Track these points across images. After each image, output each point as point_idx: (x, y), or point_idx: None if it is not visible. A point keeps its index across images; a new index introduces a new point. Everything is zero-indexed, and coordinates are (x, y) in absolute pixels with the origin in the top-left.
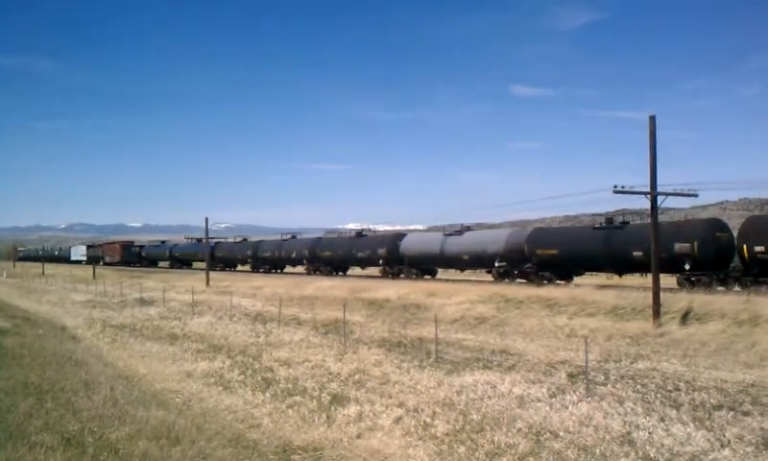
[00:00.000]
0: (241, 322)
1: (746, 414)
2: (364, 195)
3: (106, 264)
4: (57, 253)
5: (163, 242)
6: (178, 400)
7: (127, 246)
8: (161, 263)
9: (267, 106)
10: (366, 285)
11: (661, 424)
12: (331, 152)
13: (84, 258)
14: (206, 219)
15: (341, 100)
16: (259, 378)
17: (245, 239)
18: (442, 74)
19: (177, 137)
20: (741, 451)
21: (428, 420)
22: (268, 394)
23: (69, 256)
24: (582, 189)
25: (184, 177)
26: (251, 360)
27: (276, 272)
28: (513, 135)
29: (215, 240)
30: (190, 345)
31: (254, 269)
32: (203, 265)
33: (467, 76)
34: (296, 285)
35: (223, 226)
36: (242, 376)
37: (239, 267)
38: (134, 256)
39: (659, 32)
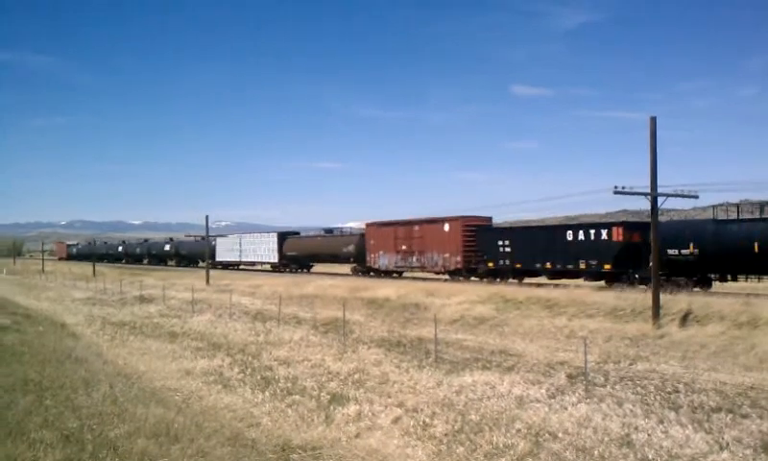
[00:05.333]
0: (241, 320)
1: (745, 416)
2: (361, 193)
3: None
4: (169, 248)
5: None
6: (177, 397)
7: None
8: None
9: (265, 105)
10: (366, 284)
11: (660, 425)
12: (329, 150)
13: (273, 258)
14: (207, 217)
15: (337, 98)
16: (259, 377)
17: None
18: (438, 73)
19: (176, 136)
20: (740, 454)
21: (427, 420)
22: (267, 393)
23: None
24: (580, 189)
25: (184, 175)
26: (250, 359)
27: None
28: (509, 135)
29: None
30: (190, 343)
31: None
32: None
33: (464, 75)
34: (295, 284)
35: (223, 224)
36: (241, 375)
37: None
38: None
39: (657, 32)
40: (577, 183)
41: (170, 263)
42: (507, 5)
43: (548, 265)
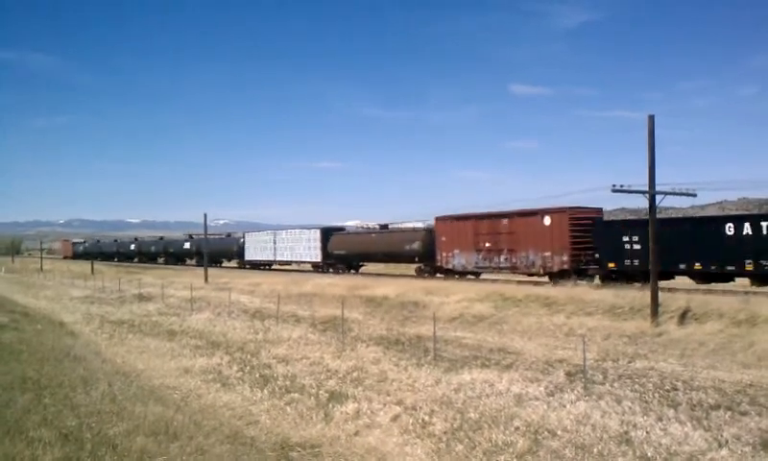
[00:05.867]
0: (239, 318)
1: (743, 414)
2: (361, 193)
3: None
4: (190, 246)
5: None
6: (176, 395)
7: (602, 221)
8: None
9: (265, 104)
10: (364, 283)
11: (659, 423)
12: (329, 150)
13: (315, 257)
14: (205, 215)
15: (338, 98)
16: (257, 375)
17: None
18: (439, 73)
19: (175, 135)
20: (739, 451)
21: (426, 418)
22: (266, 391)
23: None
24: (579, 188)
25: (182, 174)
26: (249, 357)
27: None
28: (509, 134)
29: None
30: (188, 341)
31: None
32: None
33: (464, 75)
34: (294, 282)
35: (221, 222)
36: (240, 373)
37: None
38: None
39: (657, 31)
40: (577, 182)
41: (190, 262)
42: (507, 5)
43: (697, 266)
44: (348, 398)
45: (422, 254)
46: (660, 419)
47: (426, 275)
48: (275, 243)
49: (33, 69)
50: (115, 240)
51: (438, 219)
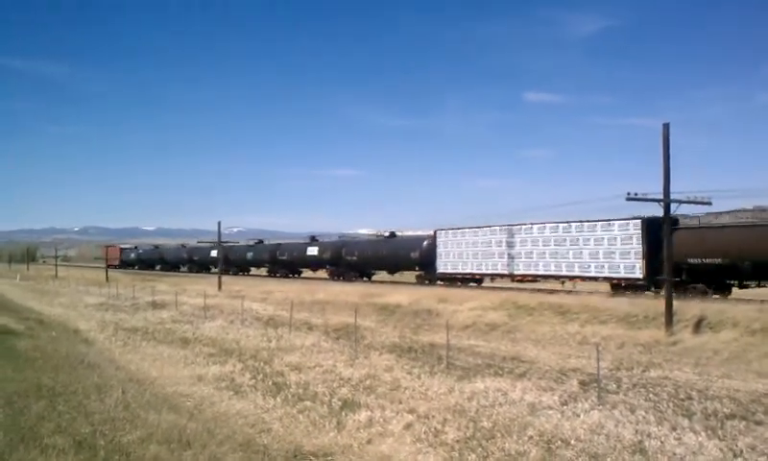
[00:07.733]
0: (252, 326)
1: (759, 423)
2: (376, 201)
3: None
4: (318, 252)
5: None
6: (189, 403)
7: None
8: None
9: (279, 111)
10: (378, 291)
11: (673, 432)
12: (343, 157)
13: (629, 269)
14: (219, 223)
15: (352, 106)
16: (270, 383)
17: None
18: (453, 81)
19: (190, 142)
20: None
21: (439, 426)
22: (279, 398)
23: None
24: (593, 196)
25: (195, 182)
26: (262, 364)
27: None
28: (525, 143)
29: None
30: (202, 349)
31: None
32: None
33: (478, 83)
34: (307, 290)
35: (236, 230)
36: (253, 381)
37: None
38: None
39: (671, 39)
40: (594, 190)
41: (310, 273)
42: (521, 13)
43: None
44: (360, 406)
45: None
46: (674, 428)
47: None
48: (509, 245)
49: (46, 77)
50: (183, 245)
51: None
